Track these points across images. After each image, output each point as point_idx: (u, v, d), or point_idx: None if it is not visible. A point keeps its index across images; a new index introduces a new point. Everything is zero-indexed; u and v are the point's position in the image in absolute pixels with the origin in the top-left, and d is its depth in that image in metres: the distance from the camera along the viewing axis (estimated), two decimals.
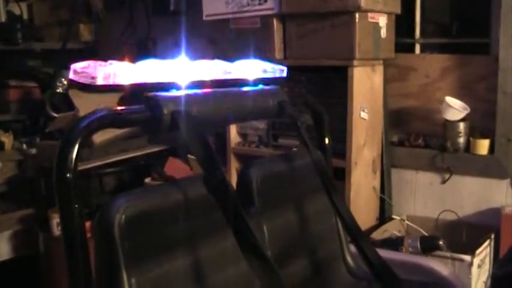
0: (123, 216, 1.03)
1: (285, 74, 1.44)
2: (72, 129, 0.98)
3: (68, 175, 0.96)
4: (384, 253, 1.42)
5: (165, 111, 1.07)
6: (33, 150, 3.23)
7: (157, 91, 1.10)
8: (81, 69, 1.02)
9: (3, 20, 3.51)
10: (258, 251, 1.05)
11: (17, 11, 3.69)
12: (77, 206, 0.97)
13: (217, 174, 1.07)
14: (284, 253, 1.39)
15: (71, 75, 1.01)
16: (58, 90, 3.15)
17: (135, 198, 1.09)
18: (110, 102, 1.09)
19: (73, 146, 0.96)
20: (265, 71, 1.36)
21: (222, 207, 1.05)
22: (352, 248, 1.55)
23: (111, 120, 1.03)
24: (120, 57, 1.30)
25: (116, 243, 1.01)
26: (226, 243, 1.19)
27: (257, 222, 1.35)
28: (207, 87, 1.20)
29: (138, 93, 1.08)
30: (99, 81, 1.01)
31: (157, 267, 1.10)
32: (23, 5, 3.83)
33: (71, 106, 2.95)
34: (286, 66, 1.49)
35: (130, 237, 1.03)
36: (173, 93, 1.12)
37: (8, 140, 3.41)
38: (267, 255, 1.07)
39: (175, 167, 2.96)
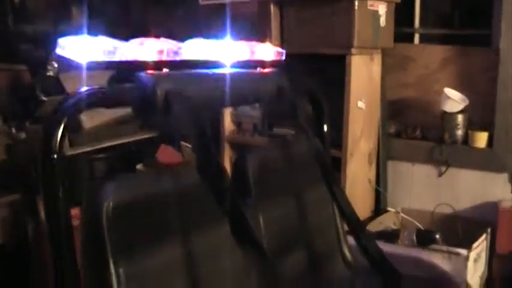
0: (111, 204, 0.96)
1: (283, 57, 1.38)
2: (58, 108, 0.92)
3: (53, 156, 0.90)
4: (383, 246, 1.37)
5: (158, 91, 1.01)
6: (23, 135, 3.17)
7: (150, 70, 1.04)
8: (68, 44, 0.96)
9: None
10: (254, 241, 1.01)
11: None
12: (61, 190, 0.90)
13: (212, 160, 1.01)
14: (280, 244, 1.34)
15: (58, 50, 0.94)
16: (49, 74, 3.08)
17: (124, 185, 1.03)
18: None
19: (59, 126, 0.90)
20: (263, 53, 1.30)
21: (216, 196, 0.99)
22: (349, 239, 1.50)
23: (99, 98, 0.96)
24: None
25: (103, 233, 0.95)
26: (220, 233, 1.13)
27: (253, 212, 1.29)
28: (202, 68, 1.14)
29: (129, 71, 1.01)
30: (88, 58, 0.94)
31: (147, 258, 1.03)
32: None
33: (62, 90, 2.88)
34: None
35: (118, 226, 0.97)
36: (167, 72, 1.06)
37: None
38: (262, 246, 1.03)
39: (167, 154, 2.91)
